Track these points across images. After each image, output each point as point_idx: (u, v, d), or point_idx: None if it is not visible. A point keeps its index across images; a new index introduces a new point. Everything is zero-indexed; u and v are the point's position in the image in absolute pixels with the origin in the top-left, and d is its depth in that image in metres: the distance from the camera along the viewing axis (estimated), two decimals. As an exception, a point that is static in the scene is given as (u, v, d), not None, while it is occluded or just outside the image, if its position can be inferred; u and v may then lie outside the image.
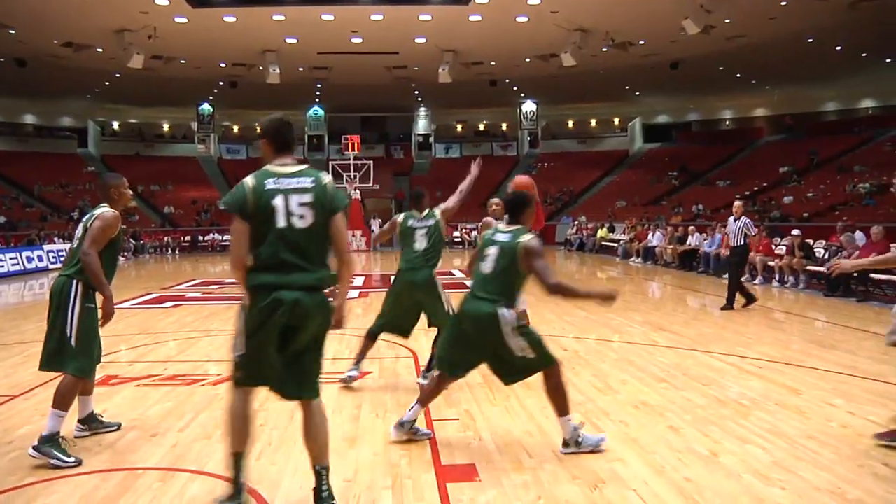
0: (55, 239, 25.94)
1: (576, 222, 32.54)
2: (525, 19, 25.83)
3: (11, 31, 25.43)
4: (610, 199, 37.02)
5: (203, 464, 4.33)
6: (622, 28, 26.65)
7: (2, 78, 32.69)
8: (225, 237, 31.28)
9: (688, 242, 19.49)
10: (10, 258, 20.99)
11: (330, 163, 34.11)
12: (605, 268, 21.30)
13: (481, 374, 6.56)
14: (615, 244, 25.96)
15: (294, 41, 28.31)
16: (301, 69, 32.85)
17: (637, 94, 40.84)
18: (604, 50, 29.05)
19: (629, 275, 18.95)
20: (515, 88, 38.87)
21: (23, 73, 30.31)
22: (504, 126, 48.64)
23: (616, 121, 47.26)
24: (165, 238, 33.22)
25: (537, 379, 4.37)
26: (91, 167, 41.49)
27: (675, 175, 38.77)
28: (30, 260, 21.76)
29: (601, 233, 28.42)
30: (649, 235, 22.68)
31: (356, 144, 33.47)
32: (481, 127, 49.91)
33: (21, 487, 3.99)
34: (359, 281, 16.75)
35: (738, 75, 34.27)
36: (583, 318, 10.27)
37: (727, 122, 44.65)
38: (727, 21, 25.27)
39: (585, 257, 26.48)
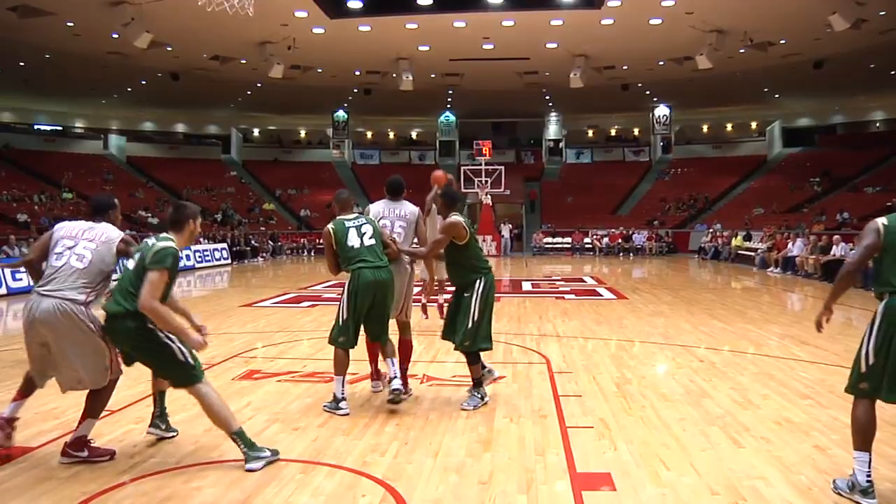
0: (200, 240, 27.46)
1: (710, 230, 31.53)
2: (658, 21, 25.26)
3: (169, 49, 27.19)
4: (747, 206, 35.57)
5: (342, 459, 4.50)
6: (762, 27, 25.57)
7: (159, 90, 35.03)
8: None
9: (832, 252, 18.50)
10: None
11: (461, 168, 34.43)
12: (740, 278, 20.54)
13: (615, 383, 6.53)
14: (752, 253, 24.94)
15: (426, 48, 28.79)
16: (433, 76, 33.35)
17: (776, 96, 39.05)
18: (741, 51, 27.99)
19: (767, 285, 18.19)
20: (648, 92, 38.04)
21: (176, 85, 32.31)
22: (636, 131, 47.73)
23: (753, 124, 45.35)
24: (302, 240, 34.47)
25: (675, 390, 4.27)
26: (234, 172, 43.69)
27: (817, 181, 36.82)
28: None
29: (737, 241, 27.39)
30: (789, 244, 21.69)
31: (487, 150, 33.68)
32: (613, 132, 49.19)
33: (179, 469, 4.33)
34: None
35: (893, 72, 32.12)
36: (719, 329, 9.96)
37: (877, 125, 41.79)
38: (882, 13, 23.70)
39: (720, 266, 25.61)
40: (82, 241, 4.56)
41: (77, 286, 4.42)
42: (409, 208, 6.34)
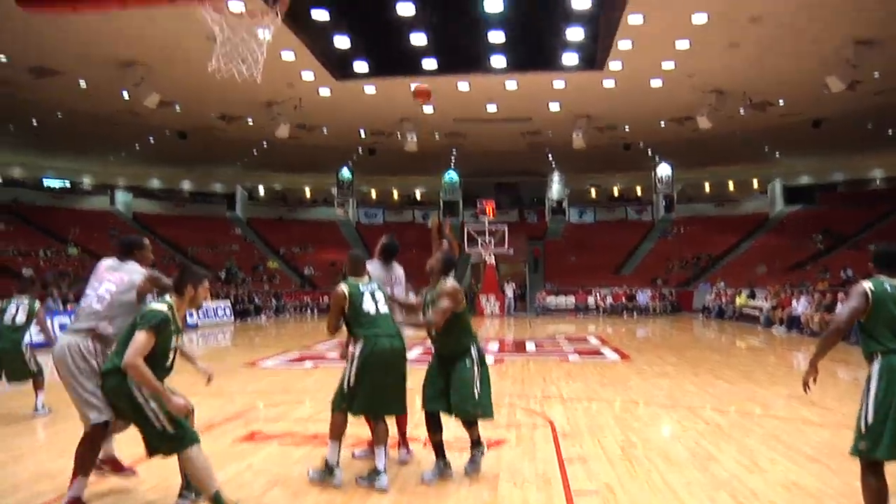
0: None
1: (714, 288, 31.49)
2: (659, 83, 25.69)
3: (177, 108, 27.65)
4: (750, 264, 35.58)
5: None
6: (760, 88, 25.99)
7: (166, 148, 35.45)
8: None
9: (837, 310, 18.45)
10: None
11: (465, 227, 34.59)
12: (745, 337, 20.43)
13: (620, 447, 6.45)
14: (756, 311, 24.87)
15: (431, 110, 29.20)
16: (437, 136, 33.77)
17: (777, 154, 39.46)
18: (741, 111, 28.37)
19: (772, 344, 18.10)
20: (650, 152, 38.45)
21: (183, 143, 32.76)
22: (639, 190, 48.07)
23: (755, 182, 45.62)
24: (305, 298, 34.46)
25: (680, 453, 4.19)
26: (238, 230, 43.91)
27: (819, 238, 36.95)
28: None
29: (741, 300, 27.31)
30: (793, 302, 21.64)
31: (491, 210, 33.88)
32: (615, 191, 49.53)
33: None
34: (493, 346, 16.73)
35: (891, 131, 32.47)
36: (725, 390, 9.87)
37: (877, 182, 42.16)
38: (876, 75, 24.15)
39: (725, 325, 25.49)
40: (105, 282, 4.64)
41: (91, 325, 4.53)
42: (400, 272, 6.33)
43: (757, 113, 28.57)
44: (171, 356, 4.51)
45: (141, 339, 4.21)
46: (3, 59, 22.01)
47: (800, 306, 20.86)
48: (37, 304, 8.55)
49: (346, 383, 5.31)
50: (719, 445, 6.44)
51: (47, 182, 42.41)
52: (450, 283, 5.58)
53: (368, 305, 5.43)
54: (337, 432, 5.35)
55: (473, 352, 5.55)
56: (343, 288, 5.47)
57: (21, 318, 8.29)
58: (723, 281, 32.17)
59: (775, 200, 42.81)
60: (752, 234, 40.78)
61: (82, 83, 24.76)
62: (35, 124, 30.24)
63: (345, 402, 5.29)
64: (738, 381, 10.65)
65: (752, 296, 27.19)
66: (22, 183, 40.60)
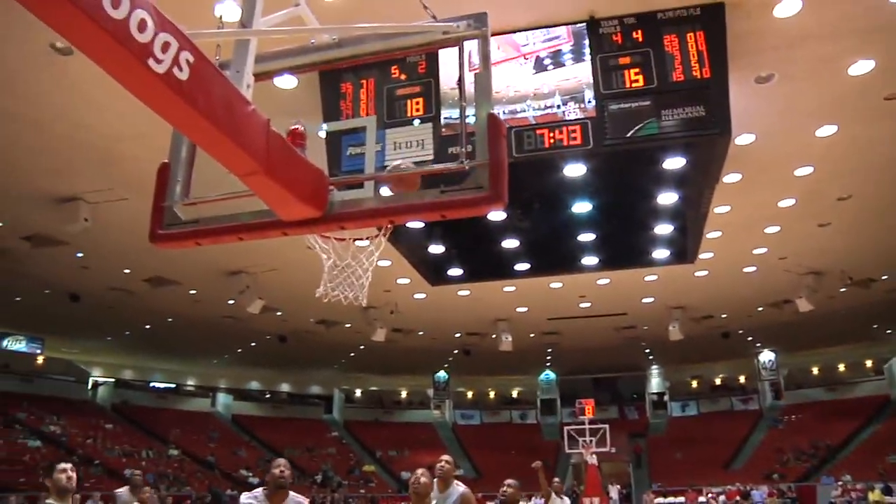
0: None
1: (839, 483, 29.18)
2: (752, 269, 25.33)
3: (279, 313, 28.81)
4: (877, 453, 32.75)
5: None
6: (860, 265, 25.16)
7: (266, 351, 36.54)
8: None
9: None
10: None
11: (564, 427, 33.73)
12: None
13: None
14: (896, 510, 22.79)
15: (525, 310, 29.42)
16: (532, 335, 33.78)
17: (888, 331, 37.34)
18: (842, 290, 27.44)
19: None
20: (750, 339, 37.22)
21: (283, 347, 33.72)
22: (742, 378, 46.00)
23: (868, 363, 42.64)
24: (401, 504, 33.61)
25: None
26: (335, 432, 43.97)
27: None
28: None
29: (874, 496, 25.07)
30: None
31: (590, 409, 33.10)
32: (717, 381, 47.71)
33: None
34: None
35: None
36: None
37: None
38: None
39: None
40: None
41: None
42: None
43: (860, 290, 27.57)
44: None
45: None
46: (127, 271, 23.65)
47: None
48: None
49: None
50: None
51: (154, 384, 43.99)
52: None
53: None
54: None
55: None
56: None
57: None
58: (848, 474, 29.83)
59: (895, 380, 40.17)
60: (874, 419, 37.80)
61: (193, 292, 26.22)
62: (147, 329, 31.83)
63: None
64: None
65: (888, 491, 24.95)
66: (132, 384, 42.31)
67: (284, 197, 3.36)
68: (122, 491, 9.81)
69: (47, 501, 4.96)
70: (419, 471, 4.89)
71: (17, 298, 27.54)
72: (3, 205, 18.22)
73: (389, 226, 4.23)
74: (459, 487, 6.17)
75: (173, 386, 44.75)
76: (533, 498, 22.03)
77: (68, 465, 5.07)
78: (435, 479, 5.78)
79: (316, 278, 6.29)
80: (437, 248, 22.96)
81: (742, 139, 14.84)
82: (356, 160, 4.32)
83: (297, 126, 3.63)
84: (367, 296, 5.70)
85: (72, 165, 15.78)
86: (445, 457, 6.10)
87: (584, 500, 30.96)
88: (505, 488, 5.63)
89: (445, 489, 5.99)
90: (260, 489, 4.80)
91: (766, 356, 41.67)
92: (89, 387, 39.71)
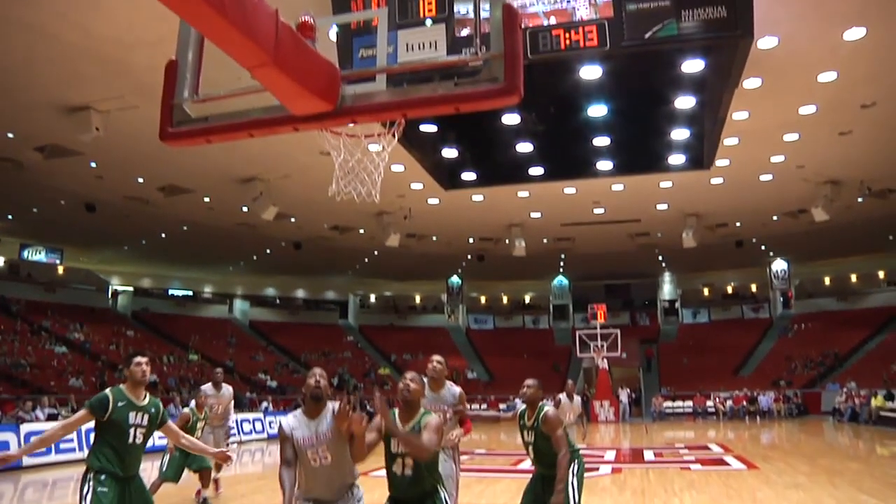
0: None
1: (844, 389, 29.64)
2: (769, 177, 25.02)
3: (293, 220, 28.91)
4: (884, 361, 33.11)
5: None
6: (879, 175, 24.85)
7: (282, 259, 36.87)
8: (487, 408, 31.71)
9: None
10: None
11: (576, 332, 34.15)
12: (887, 443, 18.98)
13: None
14: (896, 415, 23.19)
15: (538, 216, 29.38)
16: (545, 240, 33.80)
17: (903, 242, 37.31)
18: (860, 200, 27.19)
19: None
20: (764, 248, 37.17)
21: (298, 254, 33.96)
22: (754, 287, 46.22)
23: (881, 274, 42.75)
24: (416, 406, 34.31)
25: None
26: (350, 337, 44.74)
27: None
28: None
29: (877, 401, 25.53)
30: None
31: (602, 314, 33.41)
32: (729, 289, 47.92)
33: None
34: (610, 455, 16.09)
35: None
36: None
37: None
38: None
39: (860, 429, 23.82)
40: None
41: None
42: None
43: (877, 201, 27.27)
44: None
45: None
46: (140, 180, 23.68)
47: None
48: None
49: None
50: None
51: (172, 292, 44.67)
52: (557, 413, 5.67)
53: None
54: None
55: (574, 467, 5.55)
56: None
57: None
58: (854, 381, 30.26)
59: (906, 292, 40.26)
60: (882, 329, 38.18)
61: (206, 199, 26.28)
62: (164, 237, 32.10)
63: None
64: (888, 495, 9.74)
65: (890, 397, 25.39)
66: (151, 293, 43.01)
67: (295, 90, 3.29)
68: (207, 386, 10.58)
69: (120, 386, 5.15)
70: (408, 375, 4.74)
71: (35, 210, 27.77)
72: (15, 116, 18.18)
73: (402, 121, 4.13)
74: (454, 388, 6.24)
75: (191, 293, 45.51)
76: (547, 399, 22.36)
77: (144, 359, 5.26)
78: (426, 380, 5.81)
79: (329, 184, 6.22)
80: (450, 152, 22.81)
81: (764, 42, 14.40)
82: (368, 62, 4.18)
83: (306, 18, 3.52)
84: (380, 197, 5.65)
85: (82, 74, 15.62)
86: (437, 357, 6.15)
87: (595, 403, 31.68)
88: (525, 389, 5.69)
89: (439, 390, 6.05)
90: (298, 410, 4.77)
91: (779, 265, 41.71)
92: (109, 295, 40.44)
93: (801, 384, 34.58)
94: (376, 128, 4.93)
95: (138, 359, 5.19)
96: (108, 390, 5.10)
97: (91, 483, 4.75)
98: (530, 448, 5.74)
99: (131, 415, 5.00)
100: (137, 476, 5.07)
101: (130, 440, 4.96)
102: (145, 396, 5.21)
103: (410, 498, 4.65)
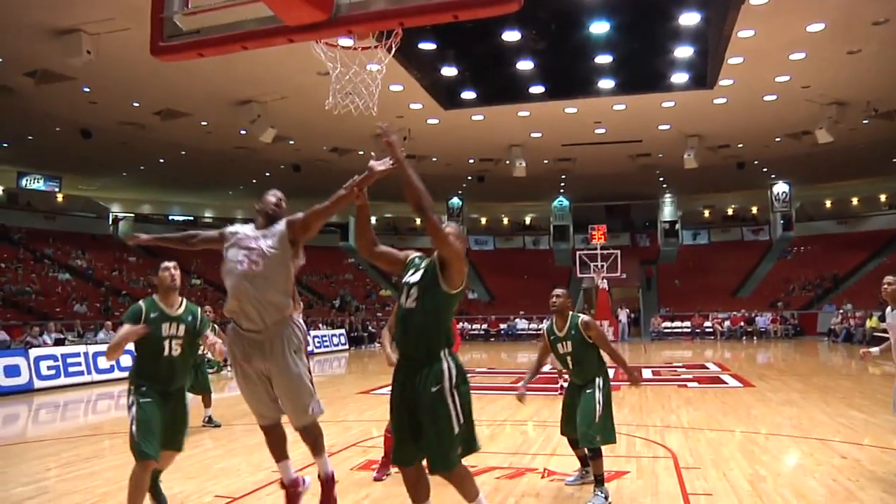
0: (319, 325, 28.31)
1: (840, 311, 29.87)
2: (773, 98, 24.67)
3: (291, 142, 28.67)
4: (879, 284, 33.16)
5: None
6: (885, 96, 24.47)
7: (281, 181, 36.55)
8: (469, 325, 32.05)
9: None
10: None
11: (576, 253, 34.21)
12: (879, 362, 19.22)
13: (748, 481, 6.07)
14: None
15: (539, 135, 29.08)
16: (546, 161, 33.56)
17: (906, 166, 37.09)
18: (865, 122, 26.87)
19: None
20: (765, 170, 36.94)
21: (297, 176, 33.76)
22: (754, 209, 46.18)
23: (882, 197, 42.51)
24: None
25: (816, 491, 3.79)
26: (351, 259, 44.84)
27: (958, 254, 34.46)
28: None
29: (872, 322, 25.74)
30: (934, 325, 20.23)
31: (602, 234, 33.41)
32: (730, 211, 47.81)
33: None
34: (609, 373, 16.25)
35: None
36: (860, 421, 9.24)
37: None
38: None
39: (854, 350, 24.12)
40: None
41: None
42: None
43: (883, 122, 26.94)
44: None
45: None
46: (136, 105, 23.36)
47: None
48: None
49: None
50: (860, 482, 5.98)
51: (173, 217, 44.63)
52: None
53: None
54: None
55: (599, 381, 5.79)
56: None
57: None
58: (850, 303, 30.47)
59: (906, 215, 40.19)
60: (881, 252, 38.21)
61: (204, 123, 25.98)
62: (162, 162, 31.87)
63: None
64: (876, 411, 9.94)
65: (884, 319, 25.59)
66: (151, 218, 42.97)
67: (288, -2, 3.16)
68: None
69: (153, 297, 5.06)
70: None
71: (30, 137, 27.45)
72: (1, 40, 17.75)
73: (398, 32, 3.99)
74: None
75: (191, 218, 45.42)
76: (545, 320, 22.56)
77: (171, 264, 5.15)
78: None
79: (327, 106, 6.11)
80: (450, 71, 22.44)
81: (773, -47, 13.99)
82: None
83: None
84: (378, 121, 5.53)
85: (69, -7, 15.25)
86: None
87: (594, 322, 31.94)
88: (555, 298, 5.81)
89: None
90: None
91: (780, 188, 41.52)
92: (110, 222, 40.38)
93: (799, 305, 34.81)
94: (372, 41, 4.78)
95: (165, 263, 5.08)
96: (140, 301, 4.97)
97: (133, 396, 4.65)
98: (568, 359, 5.91)
99: (164, 326, 4.85)
100: (181, 391, 4.95)
101: (166, 353, 4.81)
102: (181, 305, 5.06)
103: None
